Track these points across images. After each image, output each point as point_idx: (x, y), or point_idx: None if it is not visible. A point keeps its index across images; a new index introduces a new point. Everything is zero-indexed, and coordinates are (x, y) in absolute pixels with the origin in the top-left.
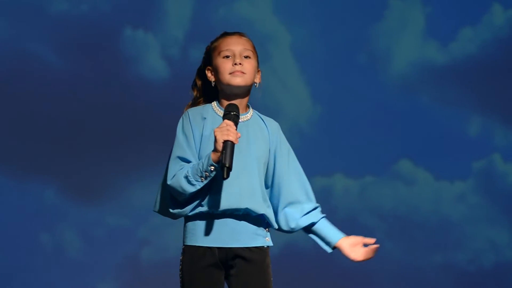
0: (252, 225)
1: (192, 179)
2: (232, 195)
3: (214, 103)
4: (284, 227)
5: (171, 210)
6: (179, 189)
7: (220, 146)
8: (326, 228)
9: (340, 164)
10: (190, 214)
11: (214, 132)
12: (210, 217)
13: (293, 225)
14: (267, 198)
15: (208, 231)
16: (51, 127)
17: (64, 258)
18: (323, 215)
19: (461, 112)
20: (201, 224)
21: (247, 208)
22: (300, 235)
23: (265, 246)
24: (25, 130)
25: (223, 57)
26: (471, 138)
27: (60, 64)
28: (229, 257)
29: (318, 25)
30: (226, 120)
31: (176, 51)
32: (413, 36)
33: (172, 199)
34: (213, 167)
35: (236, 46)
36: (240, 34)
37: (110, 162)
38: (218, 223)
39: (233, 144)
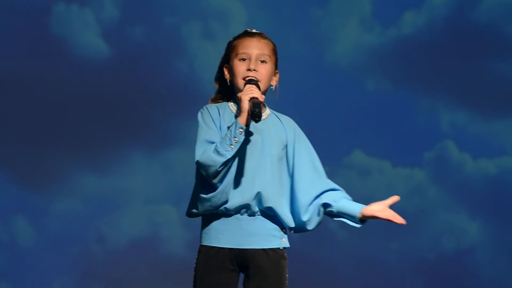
0: (268, 226)
1: (222, 150)
2: (247, 191)
3: (231, 103)
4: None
5: (194, 210)
6: (210, 163)
7: (246, 105)
8: (345, 205)
9: None
10: (207, 213)
11: (239, 97)
12: (225, 217)
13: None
14: (286, 195)
15: (222, 231)
16: None
17: (17, 247)
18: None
19: (409, 98)
20: (215, 224)
21: (260, 204)
22: None
23: (281, 248)
24: None
25: (239, 60)
26: (421, 124)
27: None
28: (244, 258)
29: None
30: (248, 85)
31: (113, 27)
32: (358, 21)
33: (194, 199)
34: (241, 130)
35: (253, 49)
36: (260, 36)
37: (59, 147)
38: (232, 224)
39: (259, 101)
